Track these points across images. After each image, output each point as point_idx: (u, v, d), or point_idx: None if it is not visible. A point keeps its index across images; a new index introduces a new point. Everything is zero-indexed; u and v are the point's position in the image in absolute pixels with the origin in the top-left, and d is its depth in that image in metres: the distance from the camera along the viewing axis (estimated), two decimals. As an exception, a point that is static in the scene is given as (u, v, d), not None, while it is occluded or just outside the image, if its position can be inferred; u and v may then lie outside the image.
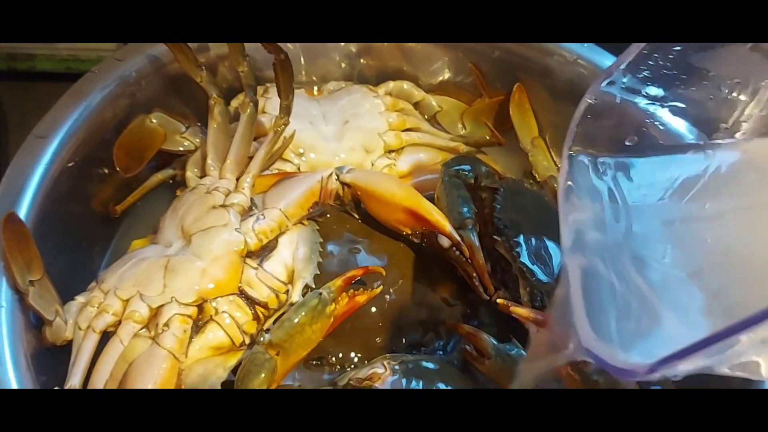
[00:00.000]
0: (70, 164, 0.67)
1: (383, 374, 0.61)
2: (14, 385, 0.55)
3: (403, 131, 0.81)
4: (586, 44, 0.79)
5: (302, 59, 0.85)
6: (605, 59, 0.78)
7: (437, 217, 0.66)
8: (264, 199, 0.68)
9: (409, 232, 0.69)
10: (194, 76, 0.71)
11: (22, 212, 0.62)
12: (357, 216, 0.72)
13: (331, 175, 0.69)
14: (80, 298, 0.63)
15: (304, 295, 0.65)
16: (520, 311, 0.56)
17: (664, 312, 0.42)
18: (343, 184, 0.69)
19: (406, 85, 0.85)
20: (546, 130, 0.83)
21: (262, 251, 0.66)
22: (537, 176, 0.81)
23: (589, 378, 0.53)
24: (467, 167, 0.73)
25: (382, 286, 0.65)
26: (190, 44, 0.73)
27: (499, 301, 0.58)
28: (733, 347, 0.35)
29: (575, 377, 0.54)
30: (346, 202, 0.71)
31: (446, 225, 0.66)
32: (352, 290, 0.63)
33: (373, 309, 0.67)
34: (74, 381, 0.58)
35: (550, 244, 0.69)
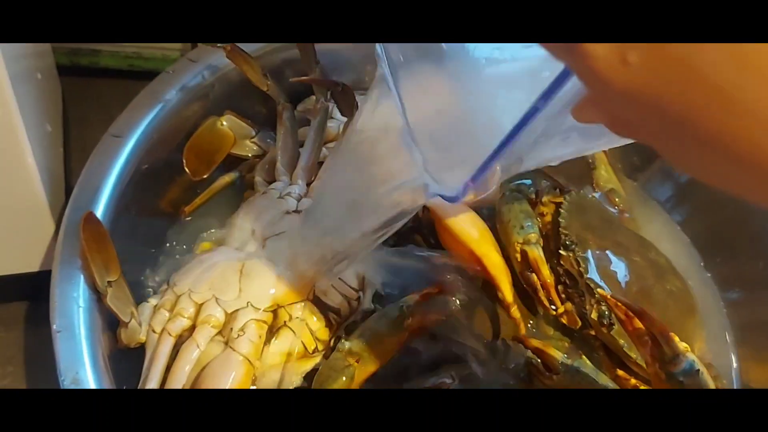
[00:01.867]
0: (144, 165, 0.67)
1: (450, 384, 0.62)
2: (92, 385, 0.55)
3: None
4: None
5: (366, 66, 0.84)
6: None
7: (499, 275, 0.66)
8: None
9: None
10: (260, 85, 0.71)
11: (99, 212, 0.62)
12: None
13: None
14: (153, 301, 0.63)
15: (374, 302, 0.66)
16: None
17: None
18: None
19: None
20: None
21: (334, 257, 0.66)
22: (597, 188, 0.81)
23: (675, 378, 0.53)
24: (528, 181, 0.73)
25: (454, 308, 0.65)
26: (257, 48, 0.74)
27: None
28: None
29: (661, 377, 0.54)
30: (423, 223, 0.71)
31: (506, 285, 0.66)
32: (424, 308, 0.64)
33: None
34: (151, 384, 0.58)
35: (620, 261, 0.69)
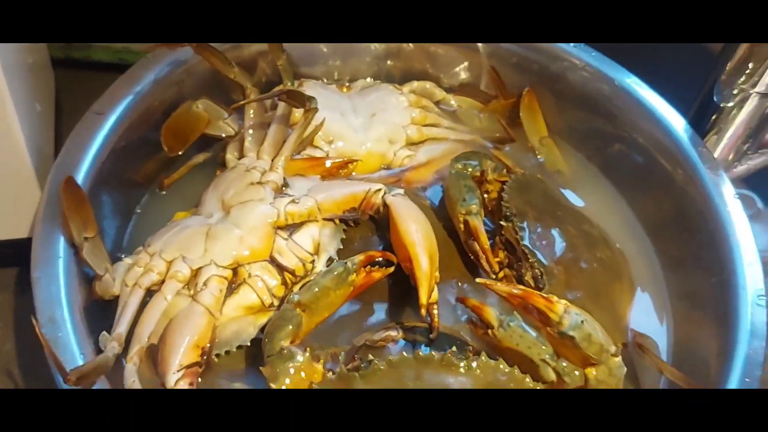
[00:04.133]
0: (123, 140, 0.75)
1: (396, 336, 0.68)
2: (69, 328, 0.62)
3: (424, 126, 0.88)
4: (594, 53, 0.86)
5: (337, 60, 0.92)
6: (612, 68, 0.85)
7: (422, 279, 0.69)
8: (310, 188, 0.75)
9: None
10: (227, 73, 0.79)
11: (80, 178, 0.69)
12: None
13: (379, 190, 0.74)
14: (128, 260, 0.70)
15: (328, 266, 0.72)
16: (496, 287, 0.61)
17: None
18: (384, 203, 0.74)
19: (428, 84, 0.92)
20: (554, 132, 0.90)
21: (292, 225, 0.73)
22: (544, 169, 0.87)
23: (566, 335, 0.59)
24: (474, 161, 0.80)
25: (393, 267, 0.71)
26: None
27: (478, 280, 0.63)
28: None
29: (554, 336, 0.59)
30: (379, 219, 0.77)
31: (424, 290, 0.69)
32: (370, 266, 0.70)
33: (390, 283, 0.74)
34: (120, 330, 0.65)
35: (554, 231, 0.75)
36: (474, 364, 0.60)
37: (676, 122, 0.82)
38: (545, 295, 0.58)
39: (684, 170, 0.80)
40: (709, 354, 0.71)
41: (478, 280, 0.63)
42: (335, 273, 0.67)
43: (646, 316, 0.78)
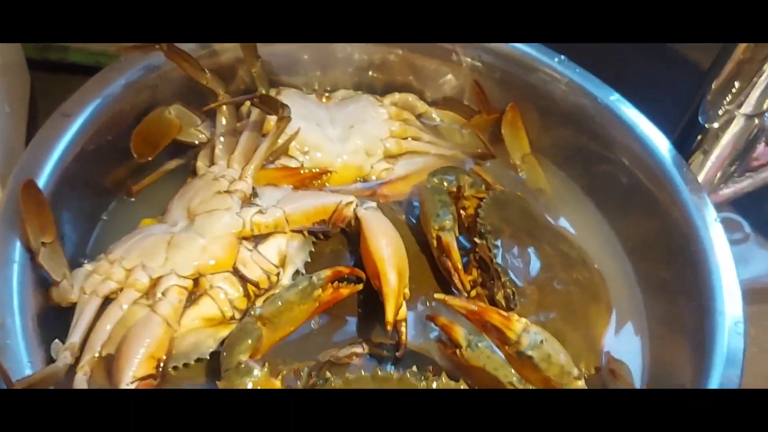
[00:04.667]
0: (91, 144, 0.73)
1: (361, 353, 0.66)
2: (19, 336, 0.60)
3: (403, 139, 0.86)
4: (578, 69, 0.84)
5: (317, 70, 0.90)
6: (595, 86, 0.84)
7: (389, 296, 0.67)
8: (280, 198, 0.73)
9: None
10: (199, 78, 0.77)
11: (42, 181, 0.68)
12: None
13: (351, 203, 0.73)
14: (88, 266, 0.68)
15: (294, 279, 0.70)
16: (454, 302, 0.60)
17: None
18: (356, 216, 0.72)
19: (410, 97, 0.91)
20: (537, 150, 0.88)
21: (258, 236, 0.71)
22: (525, 187, 0.85)
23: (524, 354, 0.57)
24: (451, 177, 0.78)
25: (362, 284, 0.70)
26: (205, 45, 0.80)
27: (435, 295, 0.61)
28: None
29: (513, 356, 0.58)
30: (350, 232, 0.75)
31: (390, 307, 0.67)
32: (337, 282, 0.69)
33: (360, 298, 0.72)
34: (74, 339, 0.63)
35: (530, 250, 0.73)
36: (434, 385, 0.58)
37: (660, 142, 0.80)
38: (503, 313, 0.56)
39: (667, 192, 0.78)
40: (684, 380, 0.69)
41: (435, 296, 0.61)
42: (300, 287, 0.65)
43: (622, 339, 0.76)
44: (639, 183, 0.81)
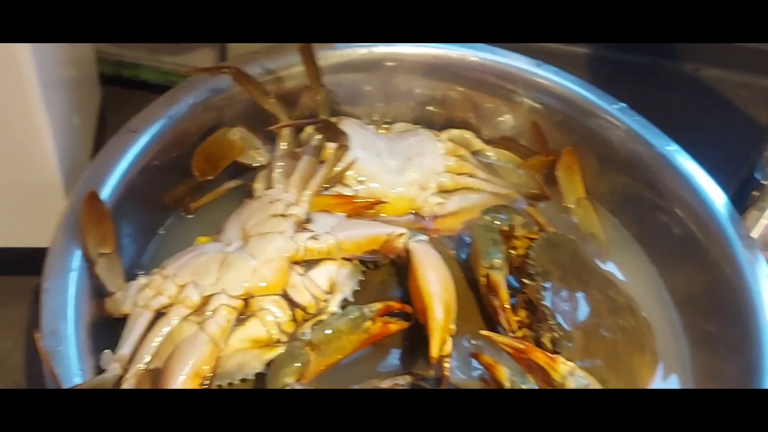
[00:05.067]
0: (154, 160, 0.75)
1: (403, 386, 0.66)
2: (71, 343, 0.61)
3: (458, 175, 0.86)
4: (637, 117, 0.84)
5: (379, 102, 0.92)
6: (654, 135, 0.84)
7: (434, 331, 0.67)
8: (333, 225, 0.74)
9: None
10: (264, 102, 0.79)
11: (105, 193, 0.70)
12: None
13: (402, 234, 0.73)
14: (142, 280, 0.70)
15: (342, 307, 0.71)
16: (500, 339, 0.60)
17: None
18: (407, 249, 0.72)
19: (467, 134, 0.91)
20: (592, 195, 0.88)
21: (310, 261, 0.72)
22: (578, 231, 0.85)
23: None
24: (503, 215, 0.78)
25: (411, 322, 0.71)
26: (272, 71, 0.82)
27: (482, 332, 0.61)
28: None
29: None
30: (400, 264, 0.75)
31: (435, 342, 0.67)
32: (387, 317, 0.70)
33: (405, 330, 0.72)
34: (124, 351, 0.64)
35: (578, 295, 0.73)
36: None
37: (716, 195, 0.79)
38: (549, 354, 0.56)
39: (719, 245, 0.77)
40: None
41: (481, 332, 0.61)
42: (350, 317, 0.66)
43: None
44: (691, 234, 0.80)
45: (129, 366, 0.64)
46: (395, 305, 0.70)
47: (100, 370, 0.63)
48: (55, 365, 0.58)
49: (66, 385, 0.57)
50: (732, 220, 0.77)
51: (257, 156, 0.82)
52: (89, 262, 0.66)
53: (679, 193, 0.81)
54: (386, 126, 0.92)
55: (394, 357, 0.73)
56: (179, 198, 0.80)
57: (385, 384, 0.67)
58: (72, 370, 0.60)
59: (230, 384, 0.66)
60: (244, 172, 0.83)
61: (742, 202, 0.83)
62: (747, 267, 0.74)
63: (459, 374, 0.70)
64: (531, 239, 0.77)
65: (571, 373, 0.56)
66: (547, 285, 0.72)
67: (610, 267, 0.83)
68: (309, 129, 0.85)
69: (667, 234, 0.83)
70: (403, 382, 0.67)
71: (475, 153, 0.91)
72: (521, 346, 0.58)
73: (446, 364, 0.68)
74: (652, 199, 0.84)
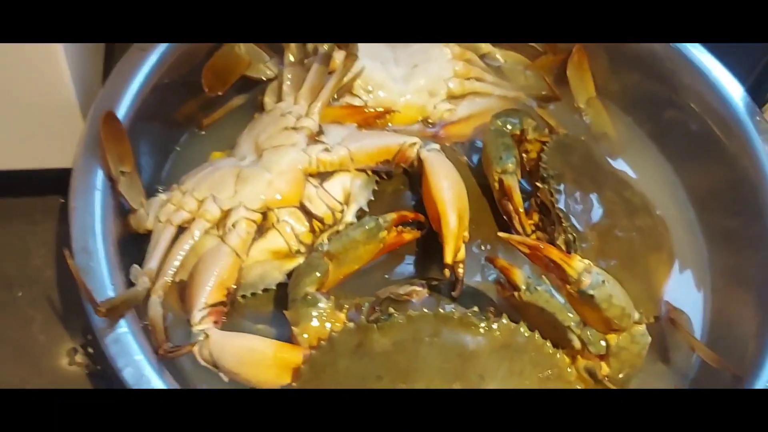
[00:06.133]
0: (165, 78, 0.75)
1: (421, 291, 0.68)
2: (102, 259, 0.64)
3: (466, 79, 0.86)
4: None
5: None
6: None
7: (448, 238, 0.68)
8: (345, 136, 0.74)
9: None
10: None
11: (120, 113, 0.70)
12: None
13: (414, 144, 0.73)
14: (162, 196, 0.71)
15: (357, 217, 0.73)
16: (516, 239, 0.61)
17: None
18: (419, 158, 0.73)
19: (475, 37, 0.90)
20: (603, 94, 0.87)
21: (324, 173, 0.73)
22: (590, 131, 0.85)
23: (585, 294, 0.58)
24: (514, 119, 0.78)
25: (425, 230, 0.72)
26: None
27: (499, 233, 0.62)
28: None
29: (573, 295, 0.59)
30: (412, 173, 0.76)
31: (449, 248, 0.68)
32: (401, 227, 0.71)
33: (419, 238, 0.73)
34: (151, 265, 0.67)
35: (592, 196, 0.74)
36: (494, 326, 0.60)
37: (733, 89, 0.78)
38: (563, 250, 0.57)
39: (738, 140, 0.77)
40: (747, 334, 0.70)
41: (499, 234, 0.62)
42: (366, 227, 0.67)
43: (683, 290, 0.76)
44: (708, 130, 0.80)
45: (156, 279, 0.66)
46: (409, 215, 0.71)
47: (129, 284, 0.65)
48: (88, 280, 0.61)
49: (100, 299, 0.59)
50: (750, 113, 0.77)
51: (265, 70, 0.82)
52: (111, 180, 0.68)
53: (694, 87, 0.80)
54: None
55: (407, 265, 0.75)
56: (191, 114, 0.81)
57: (402, 290, 0.69)
58: (105, 284, 0.62)
59: (253, 294, 0.69)
60: (253, 86, 0.84)
61: (760, 94, 0.82)
62: (767, 161, 0.74)
63: (473, 279, 0.73)
64: (543, 142, 0.78)
65: (587, 270, 0.57)
66: (560, 187, 0.73)
67: (624, 167, 0.83)
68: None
69: (682, 131, 0.83)
70: (420, 288, 0.69)
71: (482, 56, 0.90)
72: (539, 244, 0.59)
73: (460, 270, 0.70)
74: (666, 95, 0.83)
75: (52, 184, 0.79)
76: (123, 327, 0.61)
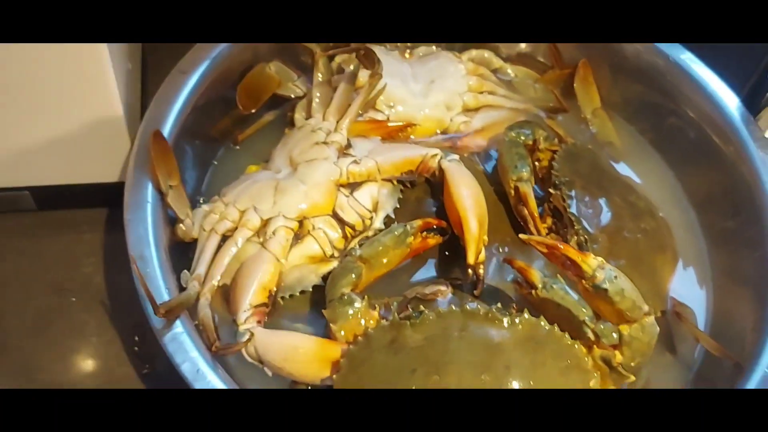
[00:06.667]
0: (203, 98, 0.81)
1: (446, 291, 0.74)
2: (156, 266, 0.69)
3: (480, 93, 0.92)
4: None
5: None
6: (669, 46, 0.88)
7: (470, 241, 0.73)
8: (371, 149, 0.81)
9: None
10: None
11: (165, 131, 0.76)
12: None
13: (435, 155, 0.79)
14: (205, 207, 0.77)
15: (385, 224, 0.79)
16: (536, 239, 0.67)
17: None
18: (440, 168, 0.78)
19: (486, 53, 0.96)
20: (608, 105, 0.93)
21: (353, 184, 0.79)
22: (596, 140, 0.91)
23: (599, 288, 0.63)
24: (527, 130, 0.84)
25: (447, 235, 0.78)
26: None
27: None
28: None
29: (588, 290, 0.64)
30: (433, 182, 0.82)
31: (471, 251, 0.73)
32: (426, 232, 0.77)
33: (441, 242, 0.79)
34: (200, 270, 0.72)
35: (601, 201, 0.79)
36: (517, 320, 0.65)
37: (729, 99, 0.84)
38: (579, 249, 0.62)
39: (734, 147, 0.82)
40: (745, 328, 0.74)
41: (520, 236, 0.67)
42: (395, 233, 0.73)
43: (687, 287, 0.81)
44: (706, 137, 0.85)
45: (204, 283, 0.72)
46: (433, 221, 0.77)
47: (181, 288, 0.71)
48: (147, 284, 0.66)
49: (158, 301, 0.65)
50: (745, 121, 0.82)
51: (294, 88, 0.89)
52: (161, 194, 0.73)
53: (693, 98, 0.86)
54: (409, 51, 0.96)
55: (431, 267, 0.80)
56: (227, 131, 0.87)
57: (428, 290, 0.75)
58: (160, 288, 0.68)
59: (291, 296, 0.75)
60: (282, 103, 0.90)
61: (755, 104, 0.87)
62: (762, 166, 0.79)
63: (493, 279, 0.78)
64: (553, 151, 0.84)
65: (600, 267, 0.63)
66: (571, 193, 0.78)
67: (628, 172, 0.89)
68: (340, 57, 0.90)
69: (682, 139, 0.88)
70: (445, 287, 0.75)
71: (494, 71, 0.96)
72: (557, 244, 0.64)
73: (481, 270, 0.76)
74: (666, 105, 0.89)
75: (97, 197, 0.84)
76: (179, 327, 0.66)
